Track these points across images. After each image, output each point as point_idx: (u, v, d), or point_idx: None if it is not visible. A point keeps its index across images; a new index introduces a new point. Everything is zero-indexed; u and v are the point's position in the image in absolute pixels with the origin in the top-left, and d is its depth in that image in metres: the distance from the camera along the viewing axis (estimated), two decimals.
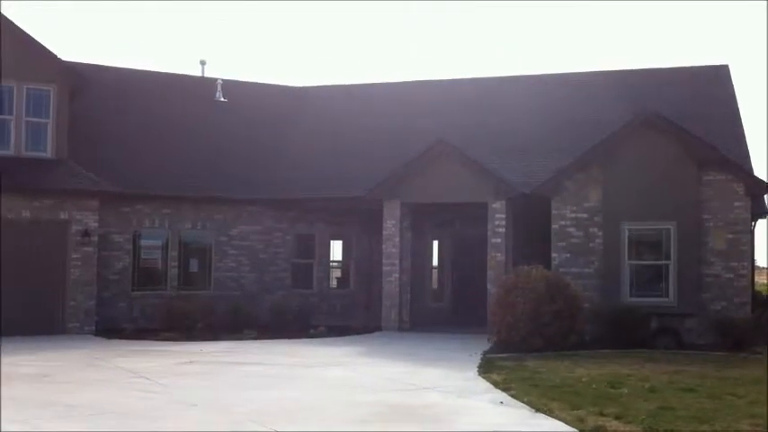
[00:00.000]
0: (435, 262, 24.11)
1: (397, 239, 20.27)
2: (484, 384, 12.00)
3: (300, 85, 26.39)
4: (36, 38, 19.03)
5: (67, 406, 10.03)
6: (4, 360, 13.98)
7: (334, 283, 24.48)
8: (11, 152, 18.64)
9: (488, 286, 18.94)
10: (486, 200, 19.36)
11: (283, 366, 13.98)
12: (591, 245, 18.34)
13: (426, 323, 20.75)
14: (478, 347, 16.16)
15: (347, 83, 26.16)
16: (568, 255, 18.42)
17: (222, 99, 23.97)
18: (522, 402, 10.37)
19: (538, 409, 9.91)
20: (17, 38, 18.76)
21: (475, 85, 24.36)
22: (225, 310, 20.39)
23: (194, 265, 21.45)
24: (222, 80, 24.33)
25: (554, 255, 18.47)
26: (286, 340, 17.88)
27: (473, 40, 65.00)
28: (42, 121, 19.03)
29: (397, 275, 20.25)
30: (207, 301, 20.44)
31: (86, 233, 18.75)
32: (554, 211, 18.60)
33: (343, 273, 24.70)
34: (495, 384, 11.83)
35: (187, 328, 18.63)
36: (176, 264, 20.99)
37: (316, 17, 62.42)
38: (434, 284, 24.24)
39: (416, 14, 58.32)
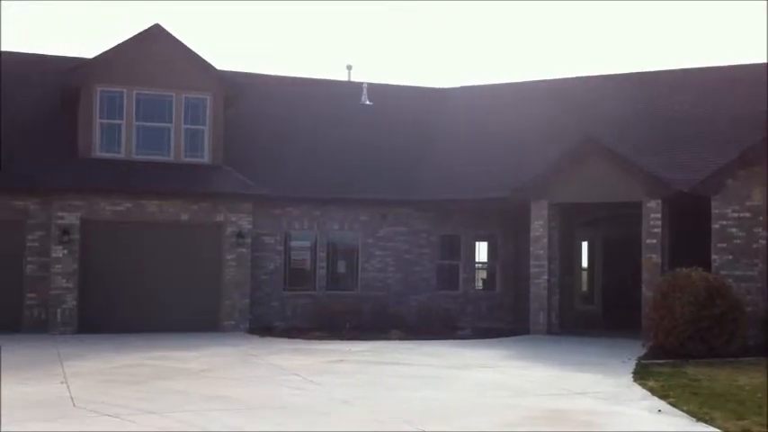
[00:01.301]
0: (585, 263, 23.42)
1: (545, 241, 19.84)
2: (639, 391, 11.51)
3: (444, 86, 26.34)
4: (193, 49, 19.95)
5: (229, 399, 10.44)
6: (172, 355, 14.76)
7: (479, 284, 24.26)
8: (171, 158, 19.63)
9: (643, 289, 18.18)
10: (640, 199, 18.60)
11: (431, 367, 13.95)
12: (754, 246, 17.22)
13: (576, 327, 20.19)
14: (632, 352, 15.54)
15: (489, 83, 25.85)
16: (730, 256, 17.38)
17: (368, 102, 24.29)
18: (682, 411, 9.86)
19: (699, 419, 9.39)
20: (176, 49, 19.77)
21: (617, 81, 23.48)
22: (371, 311, 20.65)
23: (342, 266, 21.86)
24: (368, 84, 24.67)
25: (714, 256, 17.48)
26: (432, 341, 17.86)
27: (608, 35, 63.06)
28: (199, 128, 19.94)
29: (545, 277, 19.82)
30: (354, 302, 20.77)
31: (241, 235, 19.49)
32: (714, 211, 17.60)
33: (488, 274, 24.45)
34: (652, 391, 11.32)
35: (335, 328, 19.00)
36: (324, 264, 21.45)
37: (458, 18, 62.33)
38: (584, 287, 23.54)
39: (554, 12, 57.11)
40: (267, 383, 11.91)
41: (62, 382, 11.42)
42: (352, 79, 25.73)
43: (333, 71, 64.61)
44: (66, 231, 18.14)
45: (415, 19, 64.72)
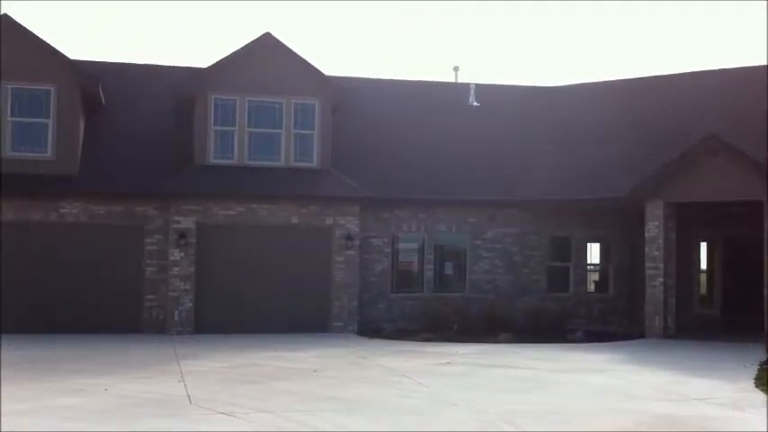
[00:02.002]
0: (703, 265, 22.51)
1: (661, 242, 19.18)
2: (762, 397, 10.96)
3: (552, 84, 25.88)
4: (301, 55, 20.34)
5: (339, 399, 10.59)
6: (283, 355, 15.08)
7: (591, 286, 23.70)
8: (281, 163, 20.07)
9: (765, 292, 17.31)
10: (762, 198, 17.73)
11: (540, 371, 13.71)
12: None
13: (693, 330, 19.43)
14: (754, 357, 14.83)
15: (599, 80, 25.21)
16: None
17: (475, 103, 24.14)
18: None
19: None
20: (285, 57, 20.20)
21: (729, 77, 22.43)
22: (479, 313, 20.49)
23: (449, 268, 21.78)
24: (475, 84, 24.52)
25: None
26: (542, 344, 17.56)
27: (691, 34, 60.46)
28: (308, 132, 20.30)
29: (661, 280, 19.16)
30: (462, 304, 20.67)
31: (349, 237, 19.74)
32: None
33: (601, 276, 23.85)
34: None
35: (444, 330, 18.95)
36: (432, 266, 21.43)
37: (564, 16, 61.21)
38: (702, 289, 22.63)
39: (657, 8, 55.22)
40: (376, 384, 11.99)
41: (179, 381, 11.84)
42: (459, 80, 25.66)
43: (439, 73, 64.60)
44: (182, 235, 18.82)
45: (522, 19, 63.93)
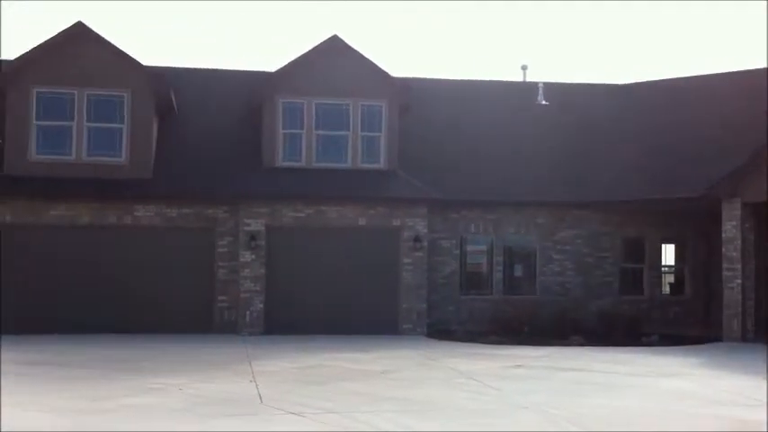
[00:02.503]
0: None
1: (738, 242, 18.58)
2: None
3: (624, 82, 25.35)
4: (369, 57, 20.40)
5: (406, 401, 10.55)
6: (352, 356, 15.11)
7: (666, 289, 23.13)
8: (348, 165, 20.15)
9: None
10: None
11: (613, 374, 13.41)
12: None
13: None
14: None
15: (671, 77, 24.58)
16: None
17: (544, 102, 23.82)
18: None
19: None
20: (353, 59, 20.28)
21: None
22: (550, 315, 20.16)
23: (519, 270, 21.54)
24: (543, 83, 24.21)
25: None
26: (615, 348, 17.19)
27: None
28: (375, 134, 20.34)
29: (739, 281, 18.55)
30: (532, 306, 20.39)
31: (417, 239, 19.68)
32: None
33: (676, 278, 23.26)
34: None
35: (513, 332, 18.75)
36: (501, 268, 21.22)
37: (632, 13, 59.96)
38: None
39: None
40: (444, 387, 11.91)
41: (251, 381, 11.97)
42: (528, 79, 25.37)
43: (507, 72, 64.05)
44: (253, 237, 19.06)
45: (590, 16, 62.90)
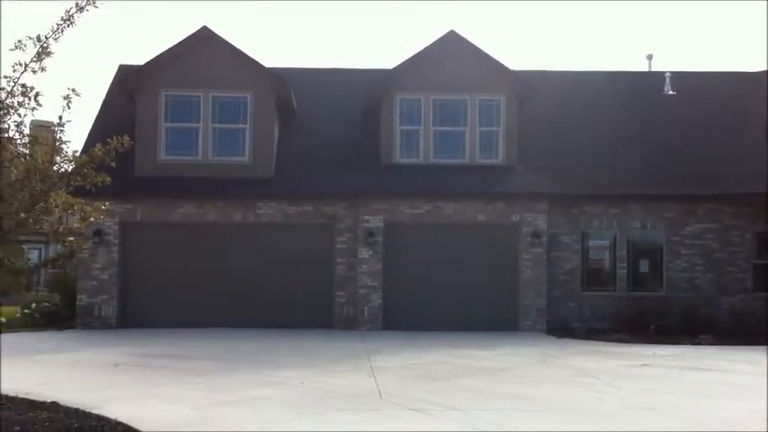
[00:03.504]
0: None
1: None
2: None
3: (754, 69, 24.08)
4: (485, 50, 20.18)
5: (526, 399, 10.35)
6: (470, 353, 14.99)
7: None
8: (466, 160, 19.99)
9: None
10: None
11: (748, 375, 12.75)
12: None
13: None
14: None
15: None
16: None
17: (671, 92, 22.92)
18: None
19: None
20: (470, 53, 20.11)
21: None
22: (678, 313, 19.35)
23: (644, 266, 20.75)
24: (670, 73, 23.30)
25: None
26: (748, 347, 16.36)
27: None
28: (493, 129, 20.10)
29: None
30: (658, 303, 19.64)
31: (536, 234, 19.32)
32: None
33: None
34: None
35: (638, 330, 18.13)
36: (625, 264, 20.52)
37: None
38: None
39: None
40: (565, 385, 11.62)
41: (369, 376, 12.05)
42: (653, 69, 24.50)
43: (632, 62, 62.04)
44: (371, 234, 19.21)
45: (715, 3, 60.08)
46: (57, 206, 6.85)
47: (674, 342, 16.99)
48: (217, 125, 19.83)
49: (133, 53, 75.23)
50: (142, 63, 20.21)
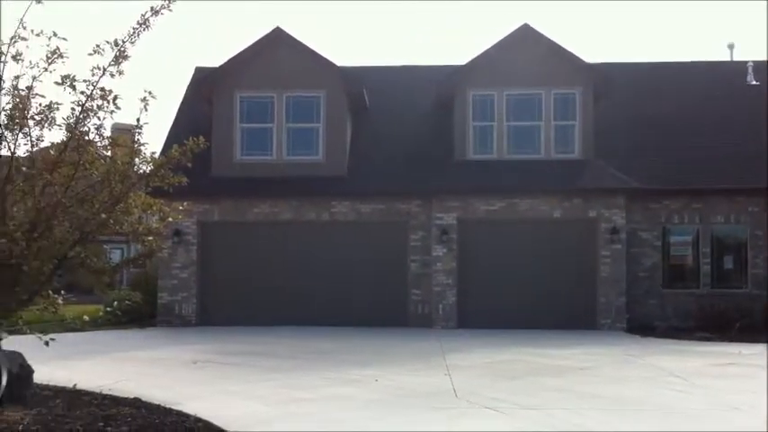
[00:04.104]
0: None
1: None
2: None
3: None
4: (560, 44, 19.82)
5: (605, 399, 10.09)
6: (547, 352, 14.72)
7: None
8: (541, 156, 19.69)
9: None
10: None
11: None
12: None
13: None
14: None
15: None
16: None
17: (754, 82, 22.13)
18: None
19: None
20: (544, 47, 19.80)
21: None
22: (763, 311, 18.64)
23: (728, 262, 20.07)
24: (752, 62, 22.49)
25: None
26: None
27: None
28: (569, 123, 19.74)
29: None
30: (743, 300, 18.99)
31: (614, 230, 18.89)
32: None
33: None
34: None
35: (722, 329, 17.53)
36: (708, 260, 19.88)
37: None
38: None
39: None
40: (646, 385, 11.29)
41: (445, 375, 11.95)
42: (735, 59, 23.69)
43: (712, 53, 60.18)
44: (445, 231, 19.09)
45: None
46: (136, 206, 6.99)
47: (760, 341, 16.36)
48: (291, 125, 20.02)
49: (208, 55, 76.74)
50: (217, 65, 20.55)
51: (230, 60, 20.00)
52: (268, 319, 18.98)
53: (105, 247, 24.81)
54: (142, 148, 7.26)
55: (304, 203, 19.78)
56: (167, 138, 21.05)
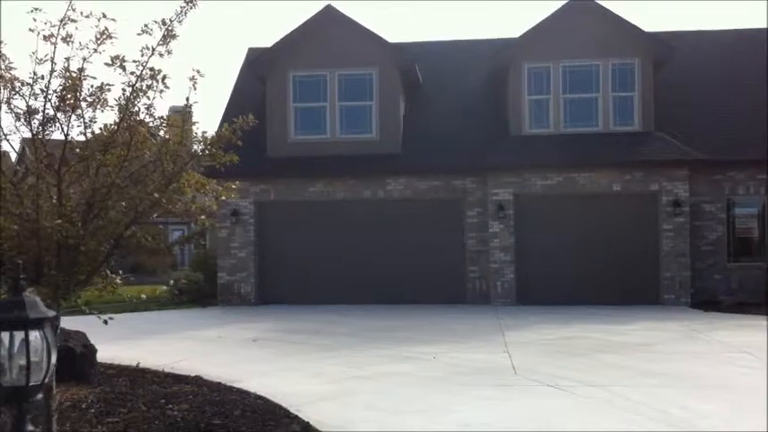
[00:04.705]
0: None
1: None
2: None
3: None
4: (616, 13, 19.32)
5: (669, 376, 9.85)
6: (610, 328, 14.46)
7: None
8: (600, 128, 19.25)
9: None
10: None
11: None
12: None
13: None
14: None
15: None
16: None
17: None
18: None
19: None
20: (599, 16, 19.31)
21: None
22: None
23: None
24: None
25: None
26: None
27: None
28: (628, 94, 19.25)
29: None
30: None
31: (677, 203, 18.41)
32: None
33: None
34: None
35: None
36: None
37: None
38: None
39: None
40: (711, 361, 11.00)
41: (504, 351, 11.82)
42: None
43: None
44: (501, 207, 18.85)
45: None
46: (189, 186, 6.99)
47: None
48: (344, 103, 19.94)
49: (262, 35, 77.04)
50: (270, 45, 20.57)
51: (282, 40, 19.98)
52: (326, 298, 19.06)
53: (165, 227, 25.16)
54: (193, 127, 7.25)
55: (359, 181, 19.73)
56: (222, 119, 21.19)
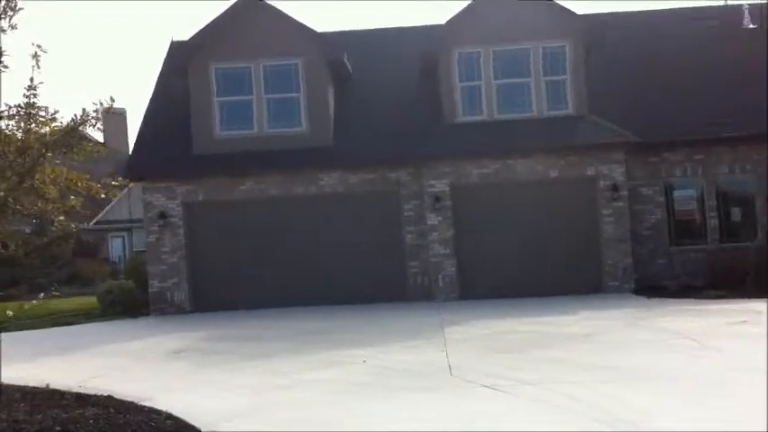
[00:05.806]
0: None
1: None
2: None
3: None
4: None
5: (614, 369, 9.33)
6: (549, 319, 14.01)
7: None
8: (534, 114, 18.78)
9: None
10: None
11: None
12: None
13: None
14: None
15: None
16: None
17: (751, 25, 21.16)
18: None
19: None
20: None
21: None
22: None
23: (736, 214, 19.19)
24: (748, 5, 21.50)
25: None
26: None
27: None
28: (560, 78, 18.81)
29: None
30: (754, 254, 18.11)
31: (615, 188, 18.04)
32: None
33: None
34: None
35: (735, 285, 16.70)
36: (715, 214, 19.01)
37: None
38: None
39: None
40: (657, 350, 10.54)
41: (441, 350, 11.20)
42: (729, 2, 22.73)
43: None
44: (438, 198, 18.25)
45: None
46: (53, 183, 6.10)
47: None
48: (270, 96, 19.10)
49: (188, 27, 75.36)
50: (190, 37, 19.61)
51: (202, 30, 19.02)
52: (263, 302, 18.22)
53: (106, 233, 23.87)
54: (41, 111, 6.30)
55: (290, 177, 18.92)
56: (145, 115, 20.26)
